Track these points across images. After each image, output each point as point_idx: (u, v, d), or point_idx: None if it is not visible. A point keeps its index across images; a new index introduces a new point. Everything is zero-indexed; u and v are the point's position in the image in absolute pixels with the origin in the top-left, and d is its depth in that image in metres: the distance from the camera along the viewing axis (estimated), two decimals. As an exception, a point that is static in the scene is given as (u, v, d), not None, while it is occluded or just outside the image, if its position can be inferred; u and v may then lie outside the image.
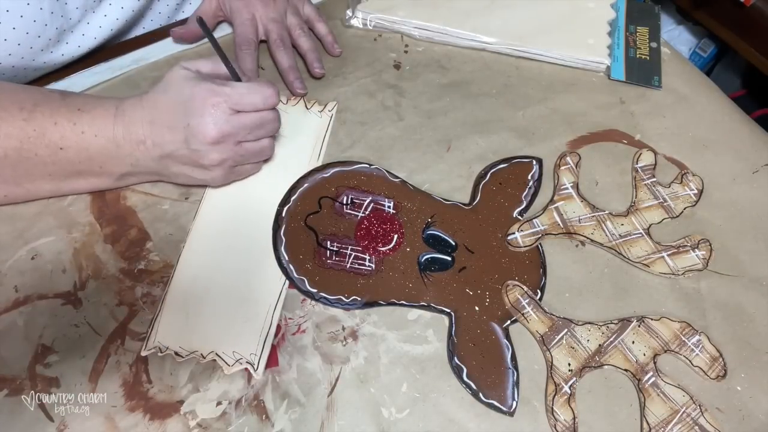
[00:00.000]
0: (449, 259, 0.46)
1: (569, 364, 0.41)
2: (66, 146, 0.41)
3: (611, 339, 0.43)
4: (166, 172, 0.45)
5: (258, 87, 0.42)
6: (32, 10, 0.47)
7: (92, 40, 0.54)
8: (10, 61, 0.49)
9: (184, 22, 0.58)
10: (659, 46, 0.62)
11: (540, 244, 0.47)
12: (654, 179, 0.51)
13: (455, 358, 0.42)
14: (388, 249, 0.46)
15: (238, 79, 0.44)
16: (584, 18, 0.62)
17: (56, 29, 0.50)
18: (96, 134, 0.41)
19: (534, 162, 0.52)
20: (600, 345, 0.42)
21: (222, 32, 0.60)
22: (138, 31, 0.61)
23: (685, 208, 0.49)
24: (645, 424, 0.40)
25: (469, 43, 0.60)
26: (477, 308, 0.44)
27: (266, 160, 0.49)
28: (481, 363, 0.41)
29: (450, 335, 0.43)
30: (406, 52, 0.60)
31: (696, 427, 0.39)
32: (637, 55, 0.61)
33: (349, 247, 0.46)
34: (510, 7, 0.62)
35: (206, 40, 0.59)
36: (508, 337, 0.43)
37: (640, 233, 0.48)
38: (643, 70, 0.59)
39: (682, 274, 0.46)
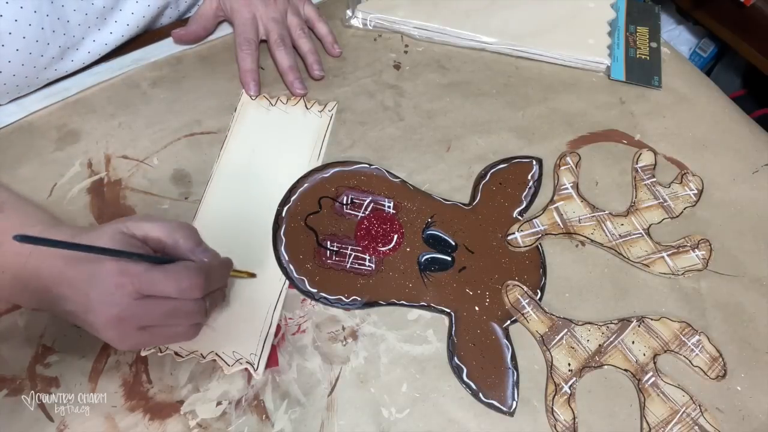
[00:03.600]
0: (449, 259, 0.46)
1: (569, 364, 0.41)
2: None
3: (611, 339, 0.43)
4: (76, 322, 0.39)
5: (176, 275, 0.36)
6: (34, 30, 0.47)
7: (97, 56, 0.55)
8: (14, 81, 0.50)
9: (185, 22, 0.58)
10: (659, 46, 0.62)
11: (540, 244, 0.47)
12: (654, 179, 0.51)
13: (455, 358, 0.42)
14: (388, 249, 0.46)
15: (163, 262, 0.37)
16: (584, 18, 0.62)
17: (59, 47, 0.50)
18: (3, 271, 0.37)
19: (534, 162, 0.52)
20: (600, 345, 0.42)
21: (222, 32, 0.60)
22: None
23: (685, 208, 0.49)
24: (645, 424, 0.40)
25: (469, 43, 0.60)
26: (477, 308, 0.44)
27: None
28: (481, 363, 0.41)
29: (450, 335, 0.43)
30: (406, 52, 0.60)
31: (696, 427, 0.39)
32: (637, 55, 0.61)
33: (349, 247, 0.46)
34: (510, 7, 0.62)
35: (207, 40, 0.59)
36: (508, 337, 0.43)
37: (640, 233, 0.48)
38: (643, 70, 0.59)
39: (682, 274, 0.46)
